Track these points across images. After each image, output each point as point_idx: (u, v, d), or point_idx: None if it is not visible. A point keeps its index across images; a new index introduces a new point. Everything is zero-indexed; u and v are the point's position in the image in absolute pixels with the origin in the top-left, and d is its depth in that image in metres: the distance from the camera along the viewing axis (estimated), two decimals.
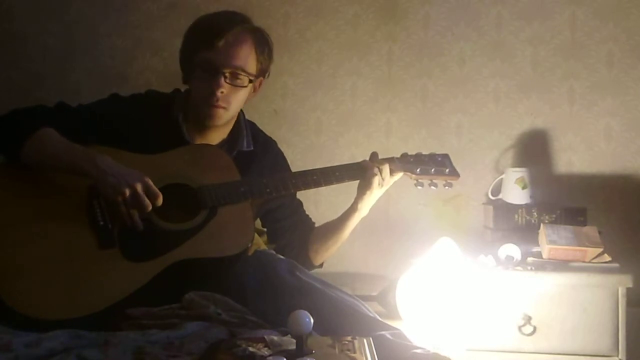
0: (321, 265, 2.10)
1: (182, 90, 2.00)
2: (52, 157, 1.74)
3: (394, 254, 2.50)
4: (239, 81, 1.89)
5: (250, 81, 1.91)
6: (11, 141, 1.76)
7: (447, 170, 2.00)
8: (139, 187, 1.69)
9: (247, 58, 1.89)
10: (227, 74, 1.87)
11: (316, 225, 2.11)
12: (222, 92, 1.86)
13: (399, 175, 1.96)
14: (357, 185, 1.96)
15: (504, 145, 2.62)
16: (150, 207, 1.71)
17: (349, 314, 1.68)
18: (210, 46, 1.85)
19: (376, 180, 1.91)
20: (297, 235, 2.06)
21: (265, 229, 2.15)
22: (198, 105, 1.90)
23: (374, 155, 1.97)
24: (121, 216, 1.72)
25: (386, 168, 1.93)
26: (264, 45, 1.93)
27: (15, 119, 1.81)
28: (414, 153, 2.00)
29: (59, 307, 1.65)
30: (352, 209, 1.98)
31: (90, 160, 1.71)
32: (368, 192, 1.92)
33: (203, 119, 1.91)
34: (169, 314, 1.64)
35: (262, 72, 1.96)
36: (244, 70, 1.88)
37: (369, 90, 2.67)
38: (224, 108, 1.89)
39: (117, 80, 2.67)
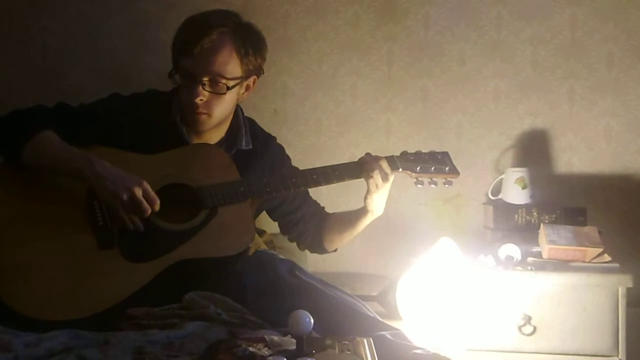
0: (335, 250, 2.11)
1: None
2: (51, 160, 1.74)
3: (394, 254, 2.49)
4: (218, 88, 1.84)
5: (232, 86, 1.85)
6: (11, 144, 1.76)
7: (447, 168, 1.99)
8: (138, 192, 1.69)
9: (227, 64, 1.83)
10: (205, 82, 1.83)
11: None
12: (201, 100, 1.83)
13: (396, 172, 1.95)
14: (357, 185, 1.96)
15: (504, 145, 2.62)
16: (149, 212, 1.71)
17: (349, 314, 1.68)
18: (187, 54, 1.82)
19: (376, 172, 1.89)
20: (310, 225, 2.07)
21: (268, 227, 2.15)
22: (184, 110, 1.89)
23: (368, 154, 1.96)
24: (121, 220, 1.72)
25: (384, 161, 1.92)
26: (248, 45, 1.86)
27: (15, 121, 1.80)
28: (413, 151, 2.00)
29: (59, 308, 1.65)
30: (364, 210, 1.97)
31: (88, 165, 1.71)
32: (372, 189, 1.91)
33: (189, 124, 1.90)
34: (169, 314, 1.63)
35: (252, 72, 1.91)
36: (223, 77, 1.83)
37: (369, 90, 2.67)
38: (206, 114, 1.86)
39: (117, 80, 2.67)
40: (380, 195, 1.93)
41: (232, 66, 1.85)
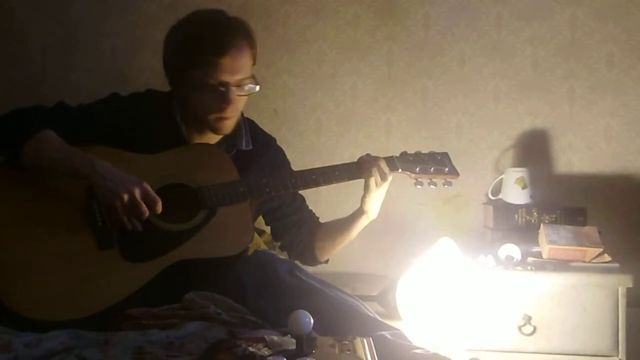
0: (327, 261, 2.10)
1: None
2: (51, 160, 1.74)
3: (394, 254, 2.49)
4: (245, 89, 1.86)
5: (256, 84, 1.88)
6: (10, 143, 1.76)
7: (447, 169, 1.99)
8: (137, 193, 1.68)
9: (248, 64, 1.86)
10: (234, 87, 1.84)
11: (322, 221, 2.11)
12: (232, 105, 1.85)
13: (396, 172, 1.95)
14: (356, 185, 1.96)
15: (504, 145, 2.62)
16: (147, 214, 1.70)
17: (349, 314, 1.67)
18: (213, 64, 1.80)
19: (375, 172, 1.90)
20: (303, 231, 2.06)
21: (267, 227, 2.15)
22: (201, 118, 1.88)
23: (367, 155, 1.96)
24: (119, 221, 1.72)
25: (383, 162, 1.92)
26: (253, 42, 1.88)
27: (16, 120, 1.80)
28: (413, 152, 2.00)
29: (59, 308, 1.64)
30: (360, 212, 1.97)
31: (88, 165, 1.70)
32: (371, 189, 1.92)
33: (210, 130, 1.90)
34: (169, 314, 1.63)
35: (254, 64, 1.92)
36: (247, 77, 1.86)
37: (369, 90, 2.67)
38: (230, 118, 1.88)
39: (117, 80, 2.67)
40: (377, 195, 1.93)
41: (250, 65, 1.87)
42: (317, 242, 2.04)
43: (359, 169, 1.92)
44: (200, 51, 1.82)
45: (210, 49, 1.81)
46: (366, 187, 1.92)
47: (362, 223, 1.99)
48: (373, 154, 1.97)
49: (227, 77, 1.82)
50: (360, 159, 1.94)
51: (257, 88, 1.87)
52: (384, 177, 1.91)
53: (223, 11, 1.91)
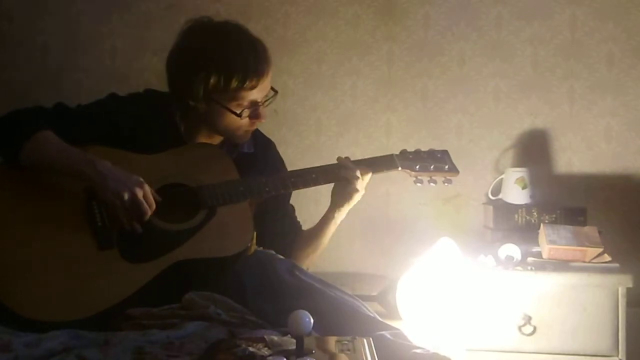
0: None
1: None
2: (51, 160, 1.74)
3: (394, 254, 2.49)
4: (269, 100, 1.91)
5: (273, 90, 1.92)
6: (10, 143, 1.76)
7: (447, 166, 2.00)
8: (139, 193, 1.69)
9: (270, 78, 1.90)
10: (264, 103, 1.89)
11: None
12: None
13: (369, 175, 1.94)
14: None
15: (504, 145, 2.62)
16: (149, 214, 1.70)
17: (349, 314, 1.67)
18: (249, 89, 1.84)
19: (359, 183, 1.90)
20: (287, 240, 2.05)
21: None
22: (224, 132, 1.91)
23: (346, 159, 1.96)
24: (120, 220, 1.71)
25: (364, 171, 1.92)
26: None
27: (14, 121, 1.80)
28: (412, 150, 2.00)
29: (59, 309, 1.64)
30: (328, 218, 1.98)
31: (89, 164, 1.71)
32: (348, 201, 1.92)
33: (232, 140, 1.93)
34: (169, 314, 1.63)
35: None
36: (272, 89, 1.91)
37: (369, 90, 2.67)
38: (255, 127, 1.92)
39: (117, 80, 2.67)
40: (357, 199, 1.93)
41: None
42: (293, 251, 2.04)
43: (337, 172, 1.92)
44: (238, 79, 1.82)
45: (248, 78, 1.83)
46: (347, 197, 1.91)
47: (333, 228, 2.00)
48: (373, 154, 1.98)
49: (258, 97, 1.87)
50: (340, 160, 1.94)
51: (275, 95, 1.92)
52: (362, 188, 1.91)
53: (248, 31, 1.91)
